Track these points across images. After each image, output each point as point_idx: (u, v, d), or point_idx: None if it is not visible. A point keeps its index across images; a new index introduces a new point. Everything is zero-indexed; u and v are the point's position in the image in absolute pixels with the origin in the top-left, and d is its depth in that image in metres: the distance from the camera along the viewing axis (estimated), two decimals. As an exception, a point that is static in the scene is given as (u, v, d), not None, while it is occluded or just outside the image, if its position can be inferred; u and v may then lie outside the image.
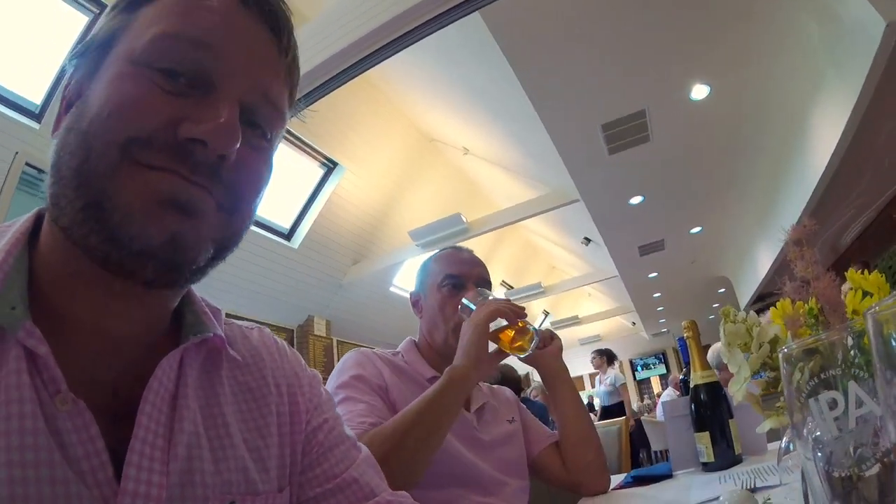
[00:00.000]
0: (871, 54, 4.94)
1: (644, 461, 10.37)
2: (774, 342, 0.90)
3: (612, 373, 10.34)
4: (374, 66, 4.60)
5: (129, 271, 0.60)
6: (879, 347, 0.42)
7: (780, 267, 11.74)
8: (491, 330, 1.48)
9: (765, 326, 0.93)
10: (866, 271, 0.77)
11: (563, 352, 1.82)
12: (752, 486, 1.26)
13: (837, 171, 7.35)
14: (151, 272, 0.61)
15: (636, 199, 8.54)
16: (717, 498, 1.25)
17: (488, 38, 5.04)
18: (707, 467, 1.66)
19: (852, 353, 0.54)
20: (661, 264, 11.99)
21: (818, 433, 0.56)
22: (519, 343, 1.50)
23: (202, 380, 0.71)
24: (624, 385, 10.15)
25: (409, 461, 1.14)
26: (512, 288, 14.62)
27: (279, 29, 0.69)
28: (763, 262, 11.64)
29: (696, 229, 10.71)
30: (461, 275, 1.73)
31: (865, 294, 0.76)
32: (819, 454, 0.55)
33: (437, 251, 1.88)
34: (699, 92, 6.27)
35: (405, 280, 10.55)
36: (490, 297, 1.59)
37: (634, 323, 19.33)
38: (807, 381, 0.57)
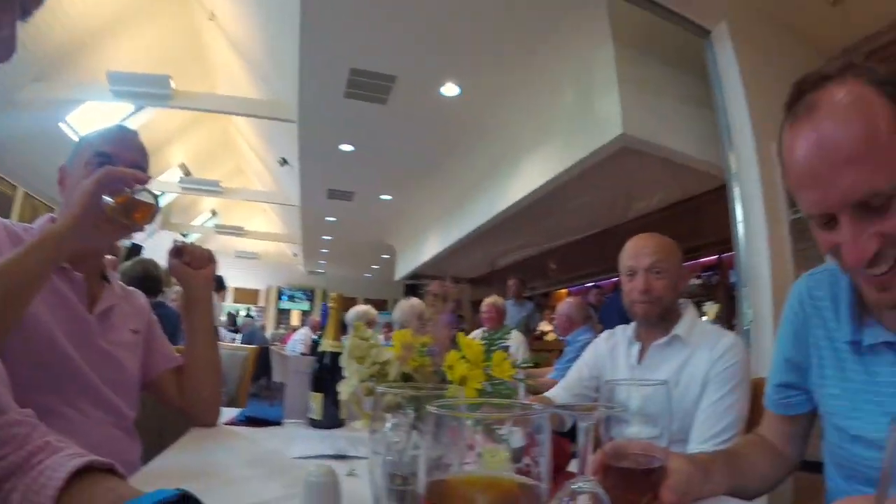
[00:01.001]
0: (596, 146, 5.79)
1: (262, 389, 10.57)
2: (385, 363, 1.03)
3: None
4: None
5: None
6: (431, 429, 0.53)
7: (439, 261, 12.84)
8: (112, 199, 1.32)
9: (381, 349, 1.07)
10: (471, 342, 0.94)
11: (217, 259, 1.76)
12: (345, 453, 1.36)
13: (519, 213, 8.34)
14: None
15: (347, 147, 8.68)
16: (314, 457, 1.33)
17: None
18: (314, 423, 1.77)
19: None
20: (343, 213, 12.36)
21: (394, 440, 0.66)
22: (134, 214, 1.36)
23: None
24: None
25: None
26: (189, 175, 13.89)
27: None
28: (428, 249, 12.67)
29: (387, 197, 11.22)
30: (114, 155, 1.53)
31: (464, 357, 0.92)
32: (388, 456, 0.66)
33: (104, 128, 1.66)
34: (450, 90, 6.68)
35: (79, 123, 9.37)
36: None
37: (296, 255, 19.58)
38: (391, 406, 0.69)
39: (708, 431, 1.84)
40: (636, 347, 2.12)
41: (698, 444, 1.82)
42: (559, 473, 0.99)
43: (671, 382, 1.81)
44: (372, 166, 9.47)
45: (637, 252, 2.08)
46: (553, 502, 0.74)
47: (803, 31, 5.10)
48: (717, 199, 4.84)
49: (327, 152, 8.85)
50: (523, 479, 0.53)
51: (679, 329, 2.01)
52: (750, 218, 4.03)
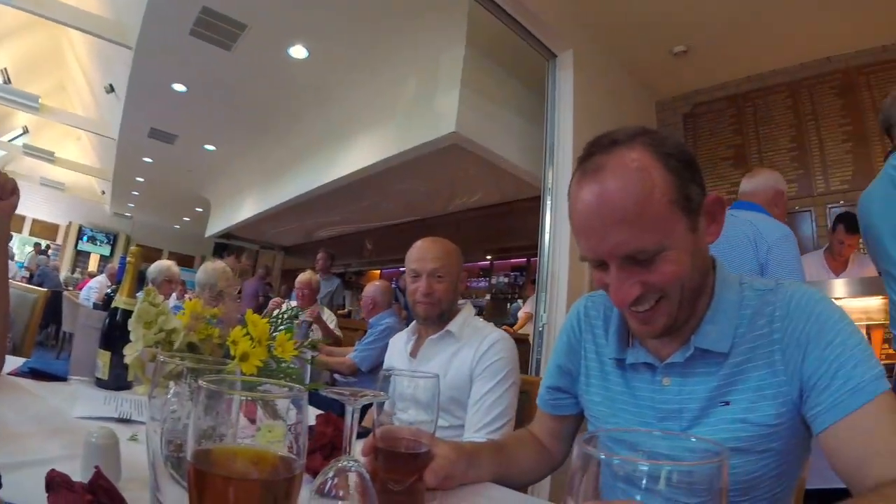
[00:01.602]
0: (428, 138, 5.99)
1: (50, 338, 9.75)
2: (172, 331, 1.05)
3: None
4: None
5: None
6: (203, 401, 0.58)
7: (254, 223, 12.58)
8: None
9: (169, 316, 1.08)
10: (258, 321, 0.99)
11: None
12: (128, 417, 1.34)
13: (344, 188, 8.39)
14: None
15: (180, 87, 8.26)
16: (97, 418, 1.30)
17: None
18: (100, 383, 1.71)
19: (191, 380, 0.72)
20: (162, 156, 11.71)
21: (173, 408, 0.69)
22: None
23: None
24: None
25: None
26: (9, 83, 12.51)
27: None
28: (245, 209, 12.35)
29: (211, 147, 10.80)
30: None
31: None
32: (165, 424, 0.70)
33: None
34: (299, 52, 6.63)
35: None
36: None
37: (104, 192, 18.19)
38: (172, 374, 0.72)
39: (480, 421, 2.01)
40: (413, 341, 2.34)
41: (472, 432, 2.00)
42: (337, 452, 1.06)
43: (441, 373, 2.02)
44: (202, 113, 9.07)
45: (421, 256, 2.27)
46: (318, 477, 0.81)
47: (642, 75, 5.62)
48: (530, 207, 5.15)
49: (158, 88, 8.34)
50: (284, 452, 0.60)
51: (452, 326, 2.23)
52: (556, 230, 4.31)
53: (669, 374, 1.16)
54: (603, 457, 0.47)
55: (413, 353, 2.31)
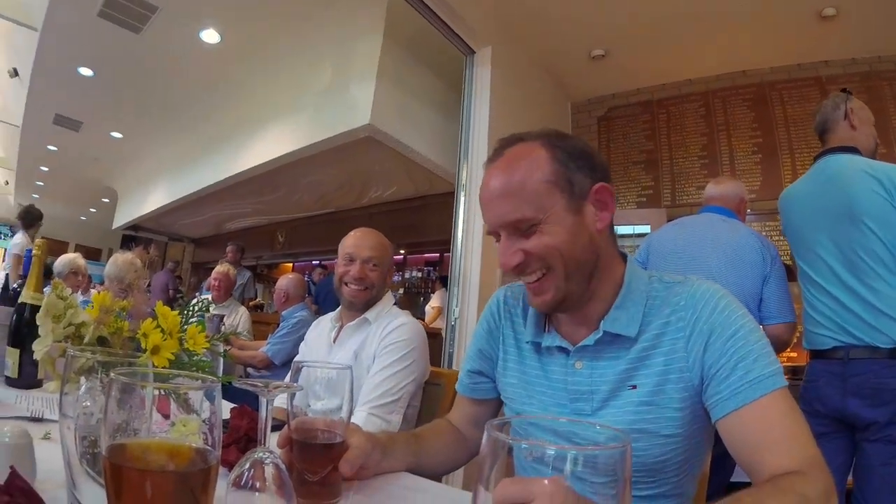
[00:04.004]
0: (342, 129, 6.02)
1: None
2: (81, 325, 1.03)
3: None
4: None
5: None
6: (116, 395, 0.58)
7: (164, 215, 12.18)
8: None
9: (78, 310, 1.06)
10: (169, 313, 0.98)
11: None
12: (41, 416, 1.30)
13: (256, 178, 8.21)
14: None
15: (87, 72, 7.83)
16: (9, 418, 1.24)
17: None
18: (10, 382, 1.65)
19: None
20: (67, 143, 11.09)
21: (86, 403, 0.68)
22: None
23: None
24: None
25: None
26: None
27: None
28: (154, 200, 11.89)
29: (118, 135, 10.35)
30: None
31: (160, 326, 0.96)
32: (79, 420, 0.68)
33: None
34: (211, 36, 6.44)
35: None
36: None
37: (8, 182, 17.14)
38: (83, 369, 0.71)
39: (365, 397, 2.06)
40: (336, 328, 2.38)
41: (358, 407, 2.04)
42: (252, 444, 1.06)
43: (352, 359, 2.04)
44: (109, 98, 8.62)
45: (358, 243, 2.36)
46: (235, 470, 0.81)
47: (559, 76, 5.73)
48: (445, 202, 5.18)
49: (64, 72, 7.88)
50: (200, 445, 0.60)
51: (370, 314, 2.30)
52: (469, 226, 4.35)
53: (581, 358, 1.25)
54: (511, 442, 0.50)
55: (334, 340, 2.35)
